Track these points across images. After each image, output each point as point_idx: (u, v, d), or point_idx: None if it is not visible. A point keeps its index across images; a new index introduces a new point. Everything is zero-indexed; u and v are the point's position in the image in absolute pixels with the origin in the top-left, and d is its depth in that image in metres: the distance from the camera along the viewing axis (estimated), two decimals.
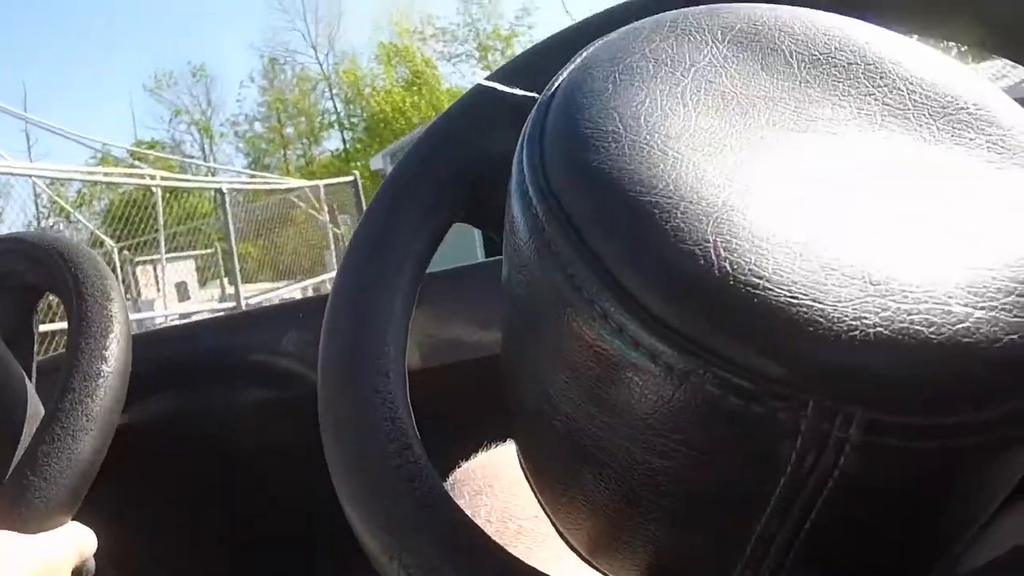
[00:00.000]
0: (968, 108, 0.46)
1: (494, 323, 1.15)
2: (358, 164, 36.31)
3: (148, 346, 1.21)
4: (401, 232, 0.58)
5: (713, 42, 0.48)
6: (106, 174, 12.73)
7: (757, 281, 0.36)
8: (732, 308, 0.36)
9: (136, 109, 60.71)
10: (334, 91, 48.72)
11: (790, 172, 0.42)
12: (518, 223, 0.44)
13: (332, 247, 15.91)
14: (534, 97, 0.55)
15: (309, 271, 16.27)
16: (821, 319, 0.35)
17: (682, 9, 0.50)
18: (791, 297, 0.36)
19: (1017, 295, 0.37)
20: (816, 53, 0.48)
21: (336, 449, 0.52)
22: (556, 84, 0.47)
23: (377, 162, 25.37)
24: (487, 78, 0.62)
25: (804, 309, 0.35)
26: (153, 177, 12.42)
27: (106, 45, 57.66)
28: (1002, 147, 0.45)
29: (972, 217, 0.41)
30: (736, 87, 0.46)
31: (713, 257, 0.37)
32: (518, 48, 45.73)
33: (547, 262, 0.41)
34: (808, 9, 0.51)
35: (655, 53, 0.47)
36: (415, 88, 45.17)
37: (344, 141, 48.67)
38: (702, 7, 0.50)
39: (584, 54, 0.48)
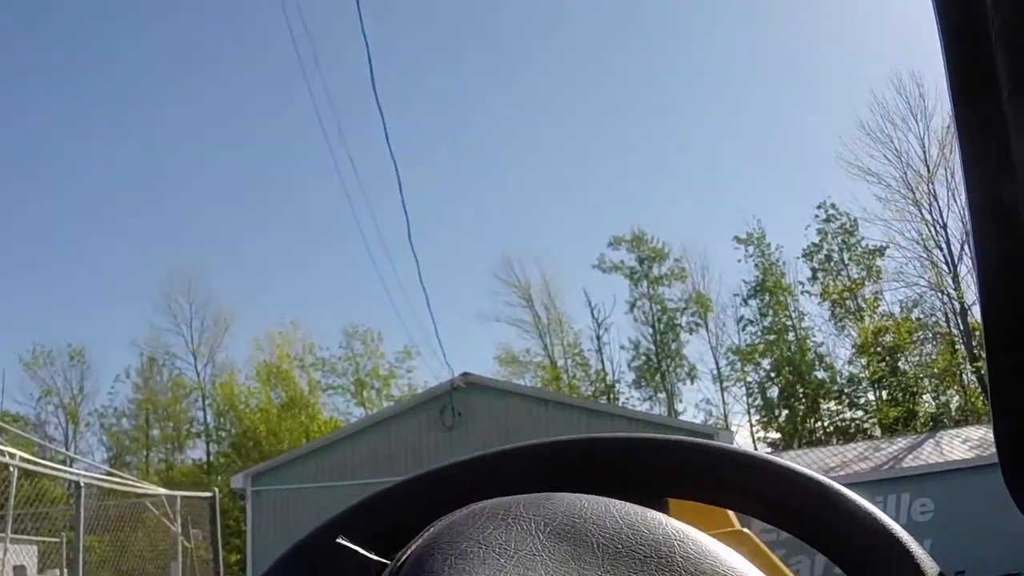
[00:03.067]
0: None
1: None
2: (219, 479, 35.47)
3: None
4: None
5: (536, 532, 0.62)
6: None
7: None
8: None
9: (7, 379, 59.21)
10: (207, 402, 48.18)
11: None
12: None
13: (179, 559, 15.34)
14: (384, 563, 0.67)
15: None
16: None
17: (515, 497, 0.66)
18: None
19: None
20: (620, 546, 0.62)
21: None
22: (404, 558, 0.61)
23: (238, 481, 24.81)
24: (343, 515, 0.76)
25: None
26: (12, 456, 12.02)
27: None
28: None
29: None
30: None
31: None
32: (395, 389, 46.04)
33: None
34: (622, 503, 0.66)
35: (486, 540, 0.61)
36: (289, 413, 44.88)
37: (208, 453, 47.70)
38: (532, 497, 0.66)
39: (430, 531, 0.62)
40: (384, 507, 0.76)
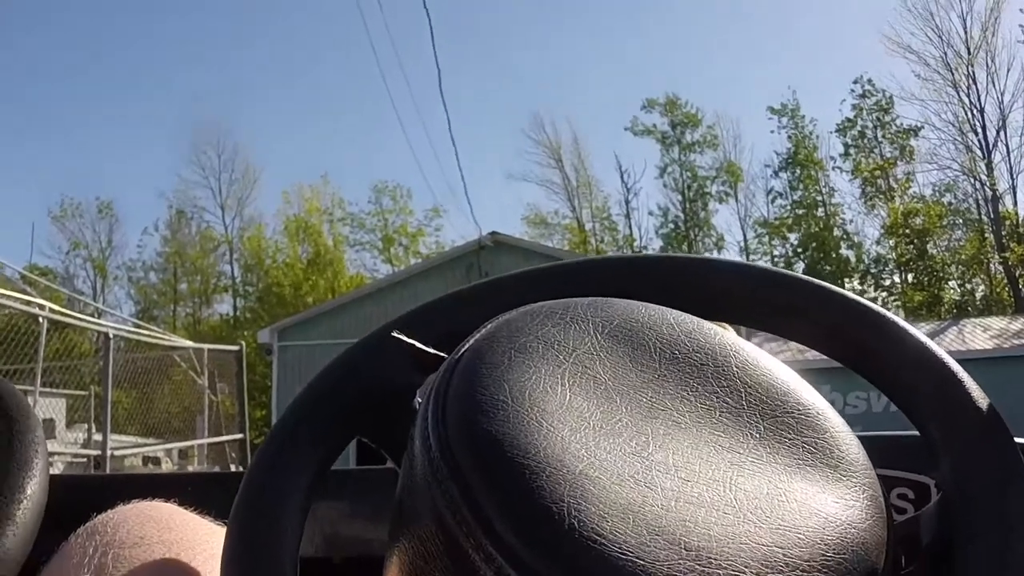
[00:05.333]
0: (793, 412, 0.60)
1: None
2: (246, 333, 35.79)
3: (68, 490, 1.24)
4: (304, 445, 0.69)
5: (594, 332, 0.63)
6: None
7: (596, 539, 0.48)
8: (574, 558, 0.48)
9: (36, 233, 59.61)
10: (235, 256, 48.32)
11: (637, 451, 0.55)
12: (417, 460, 0.56)
13: (206, 412, 15.55)
14: (442, 356, 0.67)
15: (178, 432, 15.82)
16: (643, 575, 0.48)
17: (572, 299, 0.66)
18: (620, 554, 0.48)
19: (800, 570, 0.50)
20: (676, 352, 0.63)
21: None
22: (463, 350, 0.60)
23: (264, 336, 25.12)
24: (397, 321, 0.75)
25: (630, 565, 0.47)
26: (42, 307, 12.14)
27: (17, 162, 57.05)
28: (814, 448, 0.59)
29: (774, 505, 0.54)
30: (606, 374, 0.60)
31: (565, 515, 0.49)
32: (423, 247, 46.14)
33: (437, 497, 0.52)
34: (678, 312, 0.66)
35: (545, 336, 0.61)
36: (317, 267, 45.02)
37: (236, 308, 48.01)
38: (590, 300, 0.66)
39: (488, 327, 0.62)
40: (444, 309, 0.77)
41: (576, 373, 0.59)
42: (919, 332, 0.68)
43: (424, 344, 0.71)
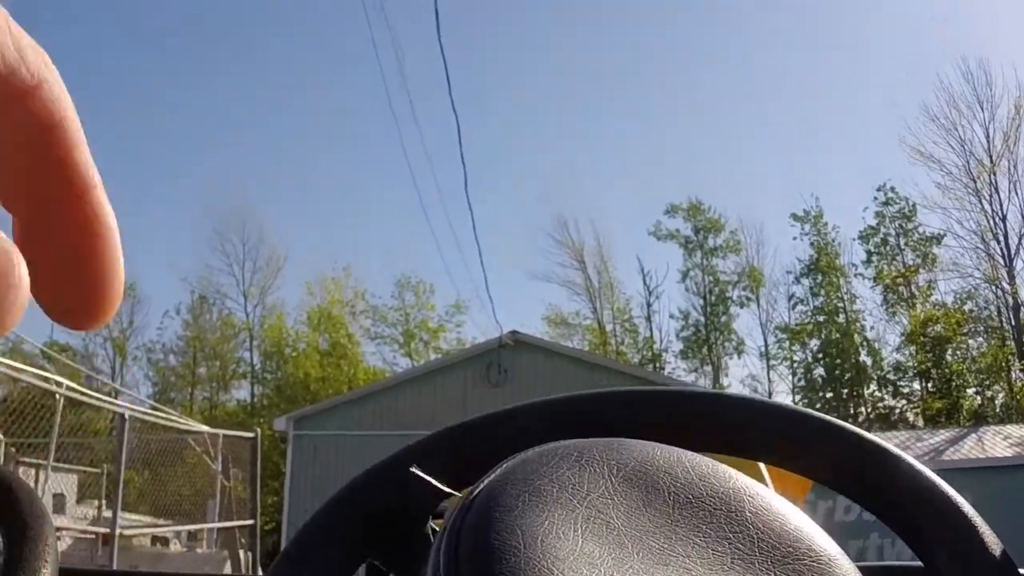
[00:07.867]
0: (804, 559, 0.61)
1: None
2: (262, 420, 35.79)
3: None
4: (316, 564, 0.72)
5: (608, 476, 0.63)
6: (14, 368, 12.45)
7: None
8: None
9: None
10: (255, 343, 48.48)
11: None
12: None
13: (217, 497, 15.50)
14: (455, 495, 0.69)
15: (188, 515, 15.77)
16: None
17: (588, 440, 0.67)
18: None
19: None
20: (690, 496, 0.63)
21: None
22: (477, 491, 0.61)
23: (281, 424, 25.07)
24: (413, 447, 0.77)
25: None
26: (59, 384, 12.19)
27: None
28: None
29: None
30: (619, 519, 0.61)
31: None
32: (443, 343, 46.16)
33: None
34: (693, 454, 0.67)
35: (560, 479, 0.62)
36: (334, 359, 45.08)
37: (253, 395, 48.04)
38: (606, 441, 0.67)
39: (503, 467, 0.63)
40: (459, 438, 0.78)
41: (589, 518, 0.60)
42: (920, 464, 0.70)
43: (439, 470, 0.73)
